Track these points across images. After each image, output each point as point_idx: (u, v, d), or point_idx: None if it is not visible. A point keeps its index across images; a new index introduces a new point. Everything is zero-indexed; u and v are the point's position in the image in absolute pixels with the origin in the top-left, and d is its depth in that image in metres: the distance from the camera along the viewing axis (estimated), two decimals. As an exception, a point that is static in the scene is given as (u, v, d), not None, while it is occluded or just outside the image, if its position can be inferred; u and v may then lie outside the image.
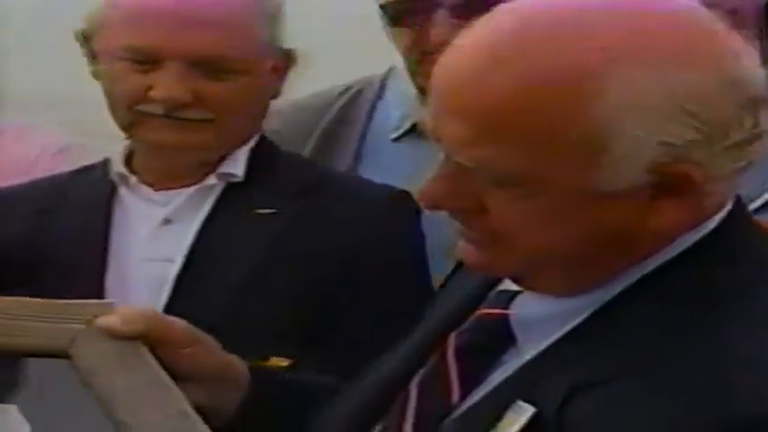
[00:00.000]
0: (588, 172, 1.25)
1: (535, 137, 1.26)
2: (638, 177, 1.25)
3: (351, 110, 2.29)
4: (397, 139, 2.22)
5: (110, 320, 1.45)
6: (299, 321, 1.77)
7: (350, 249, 1.78)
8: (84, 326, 1.44)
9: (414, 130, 2.14)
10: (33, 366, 1.49)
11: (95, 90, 1.88)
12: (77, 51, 1.93)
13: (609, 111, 1.23)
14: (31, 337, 1.46)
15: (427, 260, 1.91)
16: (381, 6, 2.15)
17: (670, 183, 1.25)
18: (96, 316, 1.45)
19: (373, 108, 2.27)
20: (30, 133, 2.52)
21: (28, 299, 1.49)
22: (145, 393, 1.42)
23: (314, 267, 1.73)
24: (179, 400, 1.43)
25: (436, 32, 2.06)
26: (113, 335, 1.43)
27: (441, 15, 2.06)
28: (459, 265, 1.53)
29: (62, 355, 1.43)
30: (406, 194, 1.86)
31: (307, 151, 2.25)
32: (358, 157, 2.23)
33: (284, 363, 1.67)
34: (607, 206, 1.27)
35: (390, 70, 2.32)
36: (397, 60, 2.26)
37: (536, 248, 1.30)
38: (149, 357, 1.44)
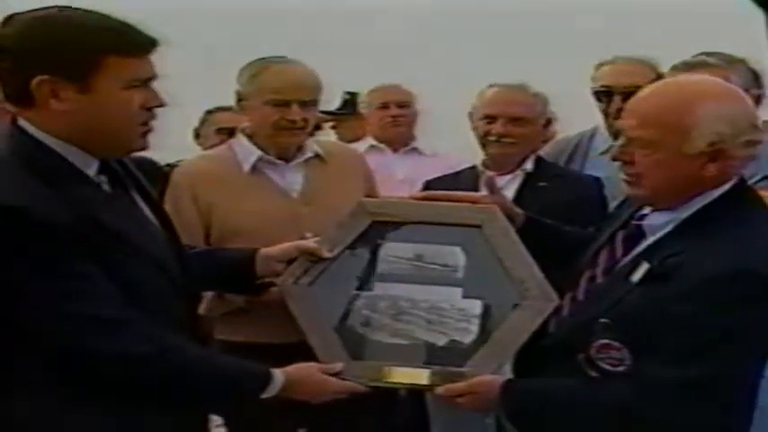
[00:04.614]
0: (681, 144, 1.81)
1: (661, 127, 1.82)
2: (701, 149, 1.81)
3: (581, 142, 3.62)
4: (602, 153, 3.37)
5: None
6: None
7: (574, 200, 3.08)
8: (485, 214, 2.22)
9: (606, 151, 2.83)
10: (456, 231, 2.17)
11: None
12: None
13: (695, 118, 1.82)
14: (451, 217, 2.20)
15: (607, 202, 3.04)
16: (594, 92, 3.48)
17: (713, 154, 1.81)
18: (489, 214, 2.20)
19: (591, 139, 3.60)
20: (446, 157, 4.15)
21: (444, 203, 2.25)
22: (514, 247, 2.16)
23: (559, 210, 2.77)
24: (528, 253, 2.14)
25: (613, 110, 3.28)
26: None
27: (617, 99, 3.38)
28: (623, 202, 2.15)
29: (476, 226, 2.19)
30: (597, 178, 3.18)
31: (561, 161, 3.52)
32: (583, 164, 3.55)
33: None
34: (687, 163, 1.81)
35: (597, 127, 3.60)
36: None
37: (653, 185, 1.86)
38: (513, 231, 2.19)
